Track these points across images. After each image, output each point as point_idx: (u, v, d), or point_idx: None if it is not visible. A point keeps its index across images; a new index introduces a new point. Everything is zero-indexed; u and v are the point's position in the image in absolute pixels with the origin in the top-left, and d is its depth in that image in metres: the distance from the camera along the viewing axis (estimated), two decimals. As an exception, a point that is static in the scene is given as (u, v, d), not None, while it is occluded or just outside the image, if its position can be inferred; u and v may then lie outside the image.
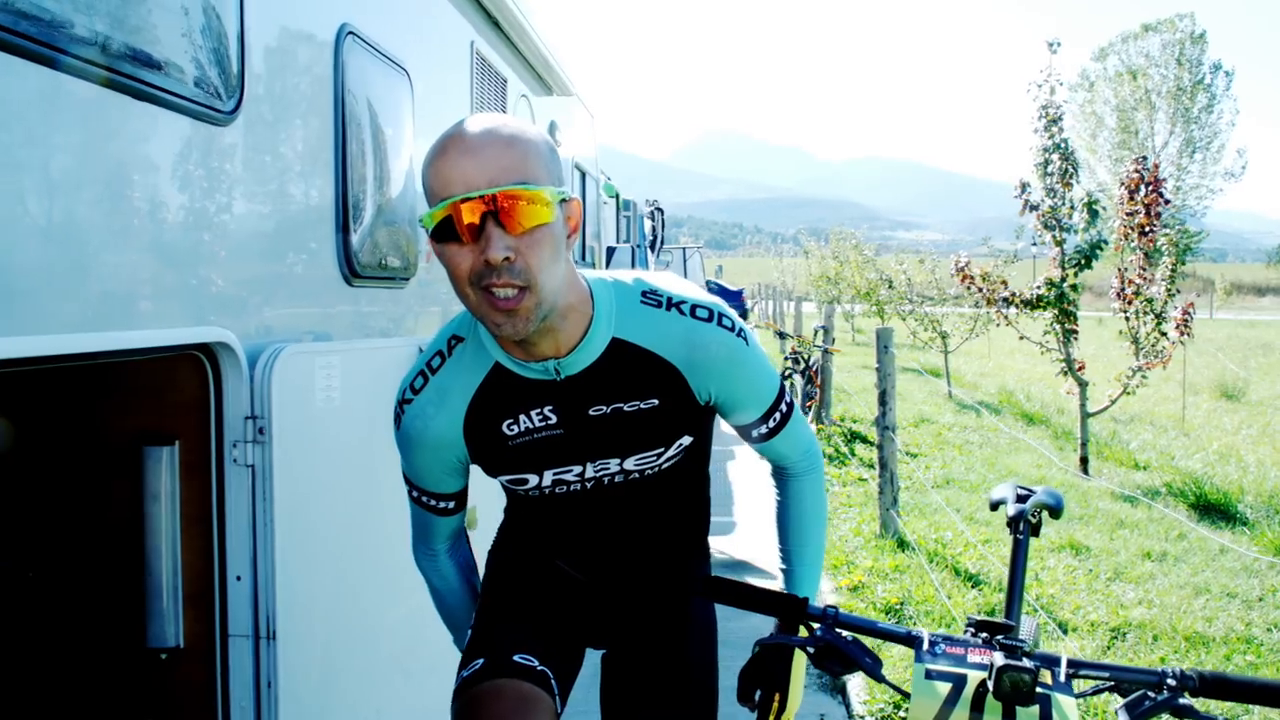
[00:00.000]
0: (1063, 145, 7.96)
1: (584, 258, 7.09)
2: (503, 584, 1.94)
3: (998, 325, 8.85)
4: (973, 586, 5.29)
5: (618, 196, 13.12)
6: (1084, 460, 8.22)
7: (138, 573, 2.13)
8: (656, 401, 1.65)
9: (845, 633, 1.53)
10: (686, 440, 1.75)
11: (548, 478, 1.72)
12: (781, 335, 11.27)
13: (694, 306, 1.64)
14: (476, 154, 1.38)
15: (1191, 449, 9.49)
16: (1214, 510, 7.07)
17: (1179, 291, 7.96)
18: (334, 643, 2.38)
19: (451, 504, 1.83)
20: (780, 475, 1.90)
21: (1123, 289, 8.02)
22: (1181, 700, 1.39)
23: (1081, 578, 5.51)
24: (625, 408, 1.65)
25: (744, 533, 6.81)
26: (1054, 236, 8.05)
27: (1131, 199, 7.86)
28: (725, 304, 1.69)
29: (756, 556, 6.19)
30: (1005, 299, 8.34)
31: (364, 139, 2.73)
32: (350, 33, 2.61)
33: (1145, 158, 8.09)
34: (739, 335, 1.66)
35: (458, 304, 3.63)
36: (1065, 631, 4.72)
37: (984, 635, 1.47)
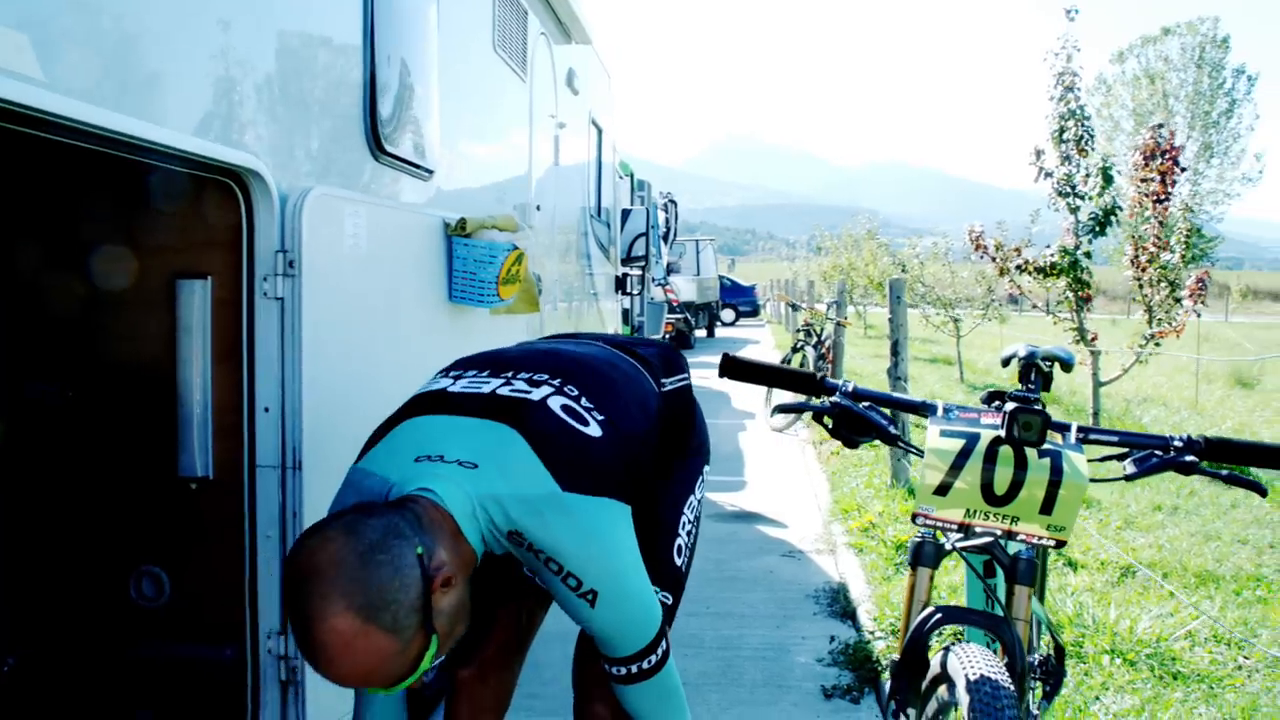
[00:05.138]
0: (1078, 111, 7.96)
1: (599, 215, 7.15)
2: None
3: (1001, 305, 8.81)
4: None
5: (632, 176, 13.22)
6: (1096, 429, 8.22)
7: (170, 403, 2.18)
8: None
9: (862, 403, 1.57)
10: None
11: None
12: (794, 306, 11.31)
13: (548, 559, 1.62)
14: (338, 666, 1.42)
15: (1205, 426, 9.46)
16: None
17: (1195, 259, 7.94)
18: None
19: None
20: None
21: (1137, 255, 8.02)
22: (1187, 458, 1.43)
23: (1092, 525, 5.52)
24: None
25: (752, 490, 6.88)
26: (1068, 204, 8.06)
27: (1146, 165, 7.87)
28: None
29: (765, 508, 6.27)
30: (1019, 266, 8.35)
31: (394, 31, 2.78)
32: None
33: (1162, 125, 8.09)
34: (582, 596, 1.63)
35: (481, 199, 3.71)
36: (1074, 570, 4.74)
37: (997, 403, 1.51)
